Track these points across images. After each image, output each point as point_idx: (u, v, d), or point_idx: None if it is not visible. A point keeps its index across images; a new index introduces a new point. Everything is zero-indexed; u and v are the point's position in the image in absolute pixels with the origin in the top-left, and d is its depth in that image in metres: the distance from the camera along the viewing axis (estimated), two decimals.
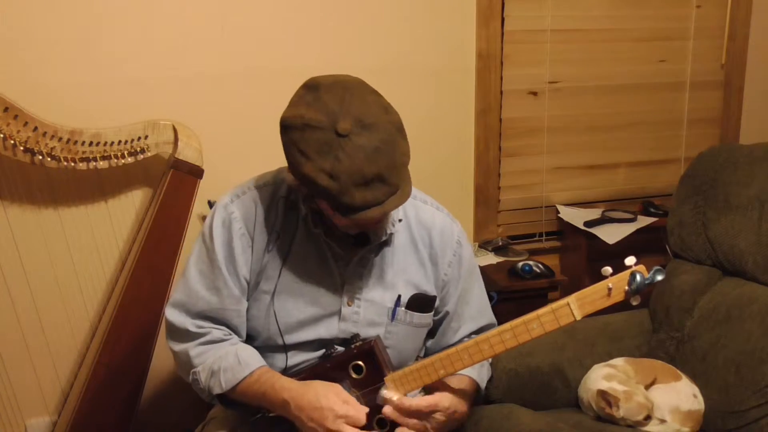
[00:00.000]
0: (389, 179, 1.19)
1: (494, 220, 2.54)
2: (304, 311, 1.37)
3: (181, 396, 1.53)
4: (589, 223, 2.42)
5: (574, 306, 1.23)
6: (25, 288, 2.02)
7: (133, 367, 1.90)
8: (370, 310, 1.39)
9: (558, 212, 2.57)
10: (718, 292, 1.84)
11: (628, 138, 2.64)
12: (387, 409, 1.29)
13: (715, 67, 2.67)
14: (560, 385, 1.83)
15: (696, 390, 1.71)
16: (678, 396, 1.69)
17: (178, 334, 1.38)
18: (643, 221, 2.47)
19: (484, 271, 2.28)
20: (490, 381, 1.79)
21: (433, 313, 1.48)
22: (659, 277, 1.20)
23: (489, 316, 1.56)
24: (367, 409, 1.29)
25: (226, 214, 1.36)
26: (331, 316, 1.38)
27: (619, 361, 1.79)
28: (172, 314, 1.38)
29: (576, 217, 2.49)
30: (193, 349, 1.36)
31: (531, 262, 2.30)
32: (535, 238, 2.61)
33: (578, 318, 1.23)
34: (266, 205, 1.37)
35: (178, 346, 1.38)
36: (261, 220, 1.36)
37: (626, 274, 1.21)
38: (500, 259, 2.41)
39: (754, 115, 2.74)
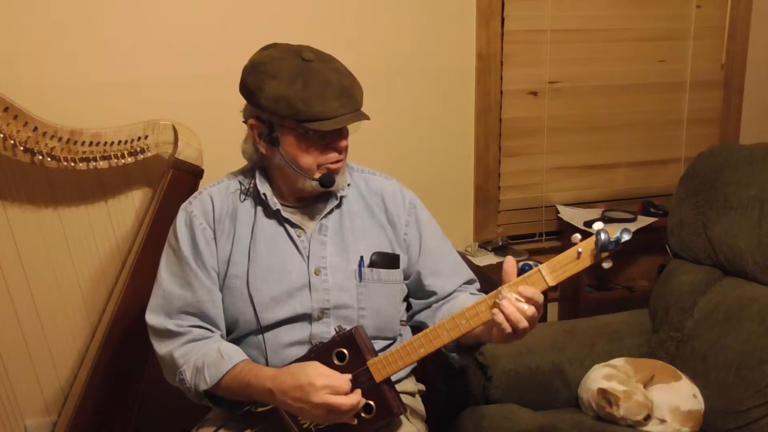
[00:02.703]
0: (355, 95, 1.35)
1: (494, 220, 2.54)
2: (276, 288, 1.41)
3: (181, 397, 1.53)
4: (589, 223, 2.42)
5: (546, 272, 1.24)
6: (25, 288, 2.02)
7: (133, 368, 1.90)
8: (337, 276, 1.44)
9: (558, 212, 2.57)
10: (718, 292, 1.85)
11: (628, 138, 2.64)
12: (506, 302, 1.22)
13: (715, 67, 2.67)
14: (560, 385, 1.83)
15: (696, 390, 1.71)
16: (678, 396, 1.69)
17: (160, 334, 1.43)
18: (643, 221, 2.47)
19: (484, 271, 2.28)
20: (489, 381, 1.80)
21: (401, 270, 1.51)
22: (626, 237, 1.18)
23: (468, 272, 1.61)
24: (348, 376, 1.30)
25: (186, 214, 1.46)
26: (302, 288, 1.42)
27: (619, 361, 1.79)
28: (151, 318, 1.44)
29: (576, 217, 2.49)
30: (177, 350, 1.40)
31: (531, 262, 2.28)
32: (535, 238, 2.61)
33: (551, 284, 1.24)
34: (222, 198, 1.47)
35: (163, 349, 1.42)
36: (219, 212, 1.45)
37: (594, 237, 1.21)
38: (500, 259, 2.40)
39: (754, 115, 2.74)
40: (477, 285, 1.62)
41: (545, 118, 2.52)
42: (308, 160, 1.37)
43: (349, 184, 1.49)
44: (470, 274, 1.60)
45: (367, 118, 1.36)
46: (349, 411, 1.28)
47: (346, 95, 1.33)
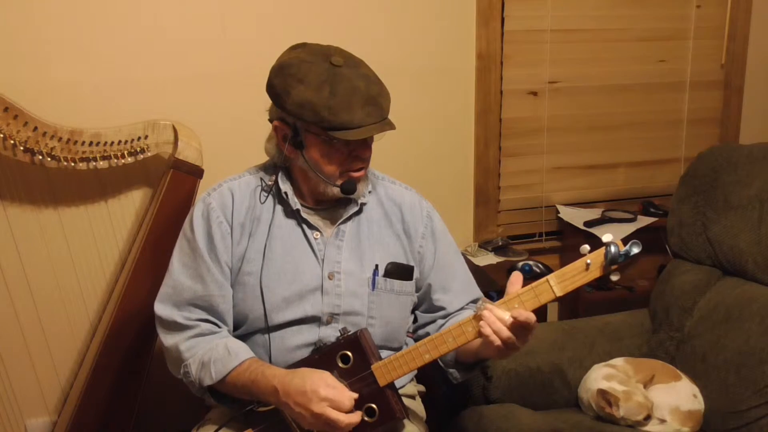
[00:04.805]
0: (382, 104, 1.34)
1: (494, 220, 2.54)
2: (288, 289, 1.41)
3: (181, 397, 1.53)
4: (589, 223, 2.42)
5: (553, 282, 1.24)
6: (25, 288, 2.02)
7: (133, 368, 1.90)
8: (351, 282, 1.43)
9: (558, 212, 2.57)
10: (718, 292, 1.84)
11: (628, 138, 2.64)
12: (486, 313, 1.24)
13: (715, 67, 2.67)
14: (560, 385, 1.83)
15: (696, 390, 1.71)
16: (678, 396, 1.69)
17: (167, 326, 1.42)
18: (643, 221, 2.47)
19: (484, 270, 2.29)
20: (489, 381, 1.80)
21: (413, 282, 1.51)
22: (635, 250, 1.19)
23: (477, 291, 1.60)
24: (353, 395, 1.30)
25: (204, 206, 1.44)
26: (314, 291, 1.42)
27: (618, 361, 1.79)
28: (159, 308, 1.43)
29: (576, 217, 2.49)
30: (183, 343, 1.39)
31: (531, 262, 2.30)
32: (535, 238, 2.61)
33: (558, 294, 1.24)
34: (242, 193, 1.45)
35: (169, 341, 1.42)
36: (238, 208, 1.43)
37: (603, 249, 1.21)
38: (500, 259, 2.41)
39: (754, 115, 2.74)
40: None
41: (545, 118, 2.52)
42: (331, 166, 1.37)
43: (370, 192, 1.48)
44: (479, 293, 1.60)
45: (392, 127, 1.35)
46: (345, 429, 1.28)
47: (373, 104, 1.32)
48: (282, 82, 1.33)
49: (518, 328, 1.24)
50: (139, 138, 1.90)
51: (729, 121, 2.72)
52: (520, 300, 1.25)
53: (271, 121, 1.41)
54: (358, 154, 1.38)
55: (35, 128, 1.77)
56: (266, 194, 1.44)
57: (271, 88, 1.36)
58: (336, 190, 1.39)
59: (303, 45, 1.39)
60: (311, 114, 1.30)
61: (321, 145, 1.35)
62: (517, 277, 1.29)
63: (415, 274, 1.51)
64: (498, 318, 1.24)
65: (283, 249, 1.42)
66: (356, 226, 1.47)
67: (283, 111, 1.35)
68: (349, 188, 1.39)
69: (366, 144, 1.38)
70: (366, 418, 1.32)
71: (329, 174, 1.37)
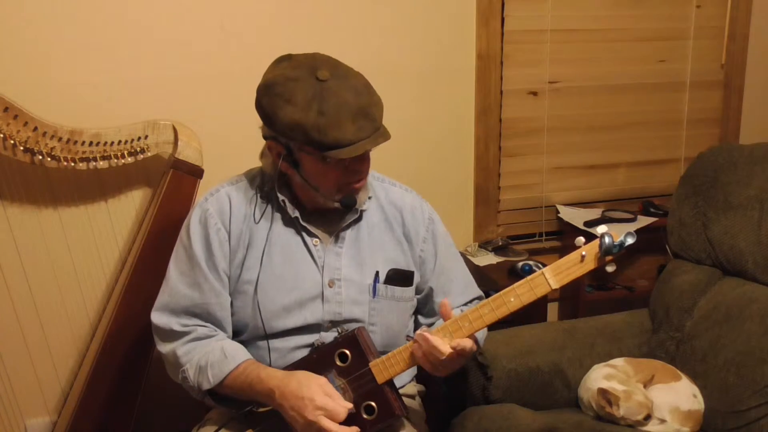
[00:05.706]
0: (373, 115, 1.30)
1: (494, 220, 2.54)
2: (288, 297, 1.40)
3: (181, 397, 1.53)
4: (589, 223, 2.42)
5: (549, 275, 1.24)
6: (25, 288, 2.02)
7: (133, 368, 1.90)
8: (351, 289, 1.42)
9: (558, 212, 2.57)
10: (718, 292, 1.84)
11: (628, 138, 2.64)
12: (419, 336, 1.29)
13: (715, 67, 2.67)
14: (560, 385, 1.83)
15: (696, 390, 1.71)
16: (678, 396, 1.69)
17: (164, 334, 1.41)
18: (643, 221, 2.47)
19: (484, 271, 2.29)
20: (489, 381, 1.80)
21: (414, 287, 1.50)
22: (630, 240, 1.19)
23: (476, 290, 1.60)
24: (349, 405, 1.30)
25: (202, 212, 1.41)
26: (315, 299, 1.41)
27: (619, 361, 1.79)
28: (156, 317, 1.42)
29: (576, 217, 2.49)
30: (179, 348, 1.39)
31: (531, 262, 2.30)
32: (535, 238, 2.61)
33: (554, 287, 1.24)
34: (241, 199, 1.42)
35: (166, 348, 1.41)
36: (237, 214, 1.41)
37: (598, 240, 1.22)
38: (500, 259, 2.41)
39: (754, 115, 2.74)
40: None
41: (545, 118, 2.52)
42: (329, 183, 1.35)
43: (370, 197, 1.46)
44: (477, 292, 1.60)
45: (386, 138, 1.32)
46: None
47: (364, 117, 1.28)
48: (269, 103, 1.30)
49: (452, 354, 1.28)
50: (139, 138, 1.90)
51: (729, 121, 2.72)
52: (516, 294, 1.25)
53: (265, 138, 1.39)
54: (355, 168, 1.35)
55: (35, 128, 1.77)
56: (265, 201, 1.42)
57: (260, 108, 1.34)
58: (336, 205, 1.38)
59: (288, 57, 1.35)
60: (301, 135, 1.28)
61: (316, 163, 1.32)
62: (445, 308, 1.32)
63: (416, 279, 1.50)
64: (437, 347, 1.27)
65: (282, 256, 1.41)
66: (356, 232, 1.45)
67: (274, 131, 1.33)
68: (349, 202, 1.38)
69: (362, 158, 1.35)
70: (365, 416, 1.32)
71: (327, 190, 1.36)
